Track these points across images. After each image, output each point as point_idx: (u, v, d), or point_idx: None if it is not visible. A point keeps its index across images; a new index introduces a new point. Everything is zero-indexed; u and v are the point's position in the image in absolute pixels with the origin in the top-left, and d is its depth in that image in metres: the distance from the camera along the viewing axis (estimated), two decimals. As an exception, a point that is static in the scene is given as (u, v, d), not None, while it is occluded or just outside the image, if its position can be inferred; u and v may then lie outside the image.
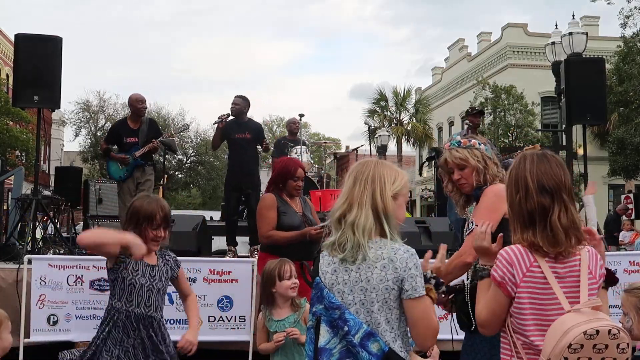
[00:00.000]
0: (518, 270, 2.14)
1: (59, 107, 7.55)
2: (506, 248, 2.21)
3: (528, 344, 2.13)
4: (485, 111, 25.27)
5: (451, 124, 33.62)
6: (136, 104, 7.81)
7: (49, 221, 8.55)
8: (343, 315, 2.17)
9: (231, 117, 7.71)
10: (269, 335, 3.80)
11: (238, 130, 7.65)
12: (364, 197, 2.24)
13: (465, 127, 8.68)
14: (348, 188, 2.30)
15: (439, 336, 2.38)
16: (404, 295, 2.18)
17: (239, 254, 7.78)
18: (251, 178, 7.84)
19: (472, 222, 2.91)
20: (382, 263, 2.18)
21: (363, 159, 2.45)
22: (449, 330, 2.84)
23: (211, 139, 8.80)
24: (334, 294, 2.22)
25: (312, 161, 9.63)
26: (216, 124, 7.75)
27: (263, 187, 8.98)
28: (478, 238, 2.37)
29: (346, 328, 2.15)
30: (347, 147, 39.19)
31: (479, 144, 3.03)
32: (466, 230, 3.04)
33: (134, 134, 7.71)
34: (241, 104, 7.75)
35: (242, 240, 8.11)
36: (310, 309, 2.31)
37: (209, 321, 5.55)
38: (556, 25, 14.96)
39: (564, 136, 14.04)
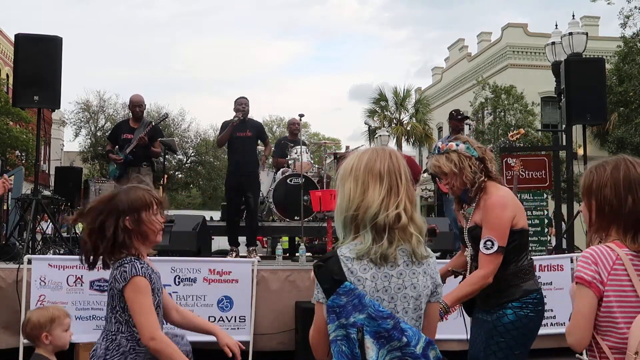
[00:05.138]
0: (602, 269, 2.17)
1: (59, 107, 7.57)
2: (588, 249, 2.22)
3: (617, 345, 2.12)
4: (486, 111, 25.30)
5: (451, 124, 33.59)
6: (132, 107, 8.15)
7: (49, 221, 8.55)
8: (398, 324, 1.95)
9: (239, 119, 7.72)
10: None
11: (239, 128, 7.69)
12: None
13: (449, 131, 8.69)
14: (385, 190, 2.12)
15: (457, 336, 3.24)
16: (432, 298, 2.10)
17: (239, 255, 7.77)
18: (251, 179, 7.86)
19: (490, 240, 2.96)
20: (423, 268, 2.06)
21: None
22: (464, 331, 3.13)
23: (211, 139, 8.74)
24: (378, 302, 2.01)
25: (312, 161, 9.60)
26: (231, 122, 7.72)
27: (263, 187, 9.02)
28: None
29: (405, 339, 1.95)
30: (347, 147, 38.97)
31: (457, 145, 3.03)
32: (466, 229, 3.15)
33: (130, 131, 7.89)
34: (248, 105, 7.89)
35: (240, 240, 8.11)
36: (339, 319, 1.98)
37: (209, 321, 5.55)
38: (556, 25, 14.93)
39: (564, 136, 13.97)
